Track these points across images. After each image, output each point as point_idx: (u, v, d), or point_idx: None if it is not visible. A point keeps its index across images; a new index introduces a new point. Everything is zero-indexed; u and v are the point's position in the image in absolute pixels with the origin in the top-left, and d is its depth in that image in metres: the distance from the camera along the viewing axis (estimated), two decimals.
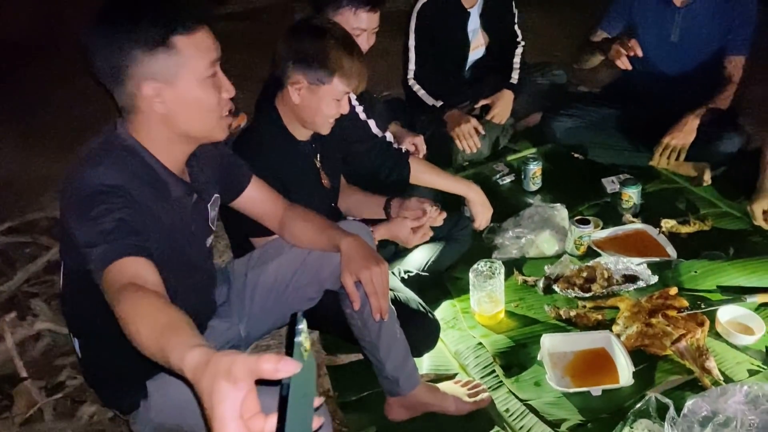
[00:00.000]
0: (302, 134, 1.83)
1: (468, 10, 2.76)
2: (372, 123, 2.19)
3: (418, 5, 2.75)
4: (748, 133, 2.61)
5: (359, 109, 2.15)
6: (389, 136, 2.26)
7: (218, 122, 1.29)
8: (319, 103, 1.71)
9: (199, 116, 1.25)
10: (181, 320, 0.94)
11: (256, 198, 1.55)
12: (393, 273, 2.04)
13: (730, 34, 2.51)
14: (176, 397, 1.25)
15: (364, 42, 2.06)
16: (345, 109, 1.79)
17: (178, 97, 1.21)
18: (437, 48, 2.79)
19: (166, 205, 1.27)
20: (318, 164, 1.92)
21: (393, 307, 1.62)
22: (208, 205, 1.44)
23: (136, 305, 1.01)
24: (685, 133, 2.46)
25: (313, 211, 1.58)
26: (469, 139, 2.71)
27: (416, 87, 2.82)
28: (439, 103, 2.78)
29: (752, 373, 1.73)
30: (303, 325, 0.70)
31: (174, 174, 1.31)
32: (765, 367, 1.74)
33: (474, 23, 2.82)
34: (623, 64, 2.46)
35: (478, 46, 2.90)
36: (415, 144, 2.47)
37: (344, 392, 1.84)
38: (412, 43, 2.79)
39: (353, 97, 2.10)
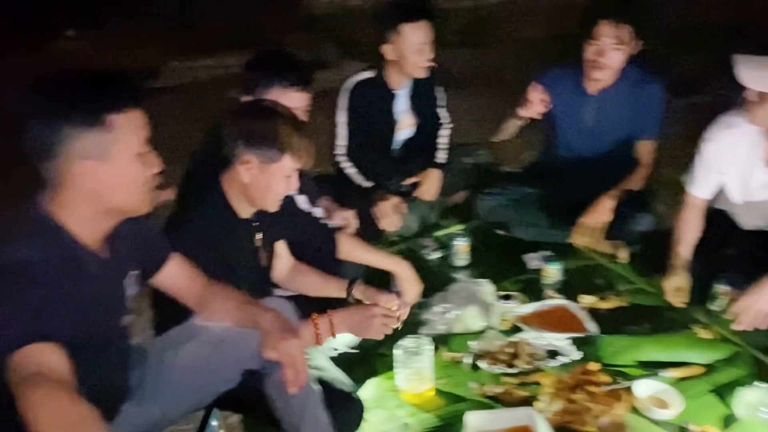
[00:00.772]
0: (246, 211, 1.83)
1: (396, 91, 2.87)
2: (302, 198, 2.21)
3: (348, 84, 2.83)
4: (660, 213, 2.76)
5: None
6: (319, 211, 2.27)
7: (145, 197, 1.30)
8: (269, 180, 1.74)
9: (128, 192, 1.26)
10: (85, 419, 0.89)
11: (176, 275, 1.51)
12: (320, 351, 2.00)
13: (639, 120, 2.69)
14: None
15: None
16: (294, 187, 1.81)
17: (110, 173, 1.21)
18: (366, 126, 2.87)
19: (79, 284, 1.23)
20: (258, 242, 1.91)
21: (316, 387, 1.59)
22: (124, 281, 1.39)
23: (39, 402, 0.95)
24: (600, 213, 2.58)
25: (232, 288, 1.55)
26: (388, 218, 2.75)
27: (345, 164, 2.87)
28: (367, 184, 2.84)
29: None
30: (216, 423, 0.67)
31: (91, 251, 1.28)
32: None
33: (402, 105, 2.93)
34: (527, 111, 2.58)
35: (406, 126, 2.99)
36: (345, 219, 2.49)
37: None
38: (342, 120, 2.86)
39: None
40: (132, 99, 1.23)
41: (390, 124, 2.93)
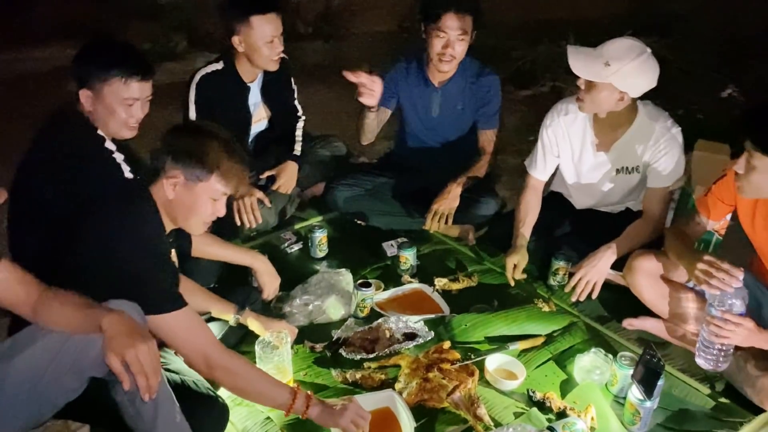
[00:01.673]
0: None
1: (248, 84, 2.82)
2: None
3: (197, 77, 2.74)
4: (503, 198, 2.96)
5: None
6: None
7: None
8: (195, 200, 1.71)
9: None
10: None
11: (6, 280, 1.39)
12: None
13: (480, 111, 2.86)
14: None
15: (139, 111, 2.02)
16: (221, 212, 1.78)
17: None
18: (218, 120, 2.78)
19: None
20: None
21: (171, 390, 1.54)
22: None
23: None
24: (450, 200, 2.72)
25: (72, 292, 1.46)
26: (249, 213, 2.72)
27: None
28: None
29: (517, 415, 1.90)
30: None
31: None
32: (527, 409, 1.92)
33: (255, 97, 2.89)
34: (365, 99, 2.57)
35: (260, 119, 2.96)
36: None
37: None
38: (192, 114, 2.76)
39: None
40: None
41: (245, 118, 2.88)
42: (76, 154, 1.96)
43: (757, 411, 1.93)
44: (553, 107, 2.55)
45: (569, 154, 2.54)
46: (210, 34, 5.74)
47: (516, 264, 2.46)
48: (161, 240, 1.76)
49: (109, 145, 2.06)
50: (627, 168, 2.45)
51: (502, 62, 4.66)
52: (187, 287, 1.96)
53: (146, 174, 1.79)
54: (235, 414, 1.89)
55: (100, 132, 2.04)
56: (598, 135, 2.44)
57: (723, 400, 1.98)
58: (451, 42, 2.63)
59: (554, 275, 2.50)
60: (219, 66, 2.76)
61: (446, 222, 2.72)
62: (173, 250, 1.90)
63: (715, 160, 2.88)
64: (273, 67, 2.74)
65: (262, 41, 2.63)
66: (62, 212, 1.78)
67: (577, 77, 2.27)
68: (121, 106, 1.98)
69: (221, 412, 1.80)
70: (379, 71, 2.66)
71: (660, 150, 2.34)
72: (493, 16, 3.57)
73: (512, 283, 2.48)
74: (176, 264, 1.91)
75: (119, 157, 2.06)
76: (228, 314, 2.07)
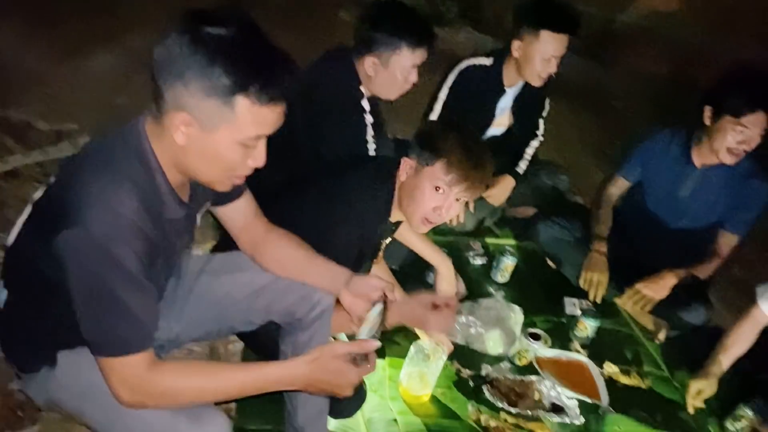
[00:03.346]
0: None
1: (506, 88, 2.76)
2: None
3: (463, 64, 2.73)
4: (714, 309, 2.65)
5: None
6: None
7: (228, 180, 1.23)
8: (417, 185, 1.74)
9: (210, 168, 1.18)
10: None
11: (242, 211, 1.48)
12: None
13: (734, 211, 2.56)
14: (87, 380, 1.19)
15: (415, 76, 2.11)
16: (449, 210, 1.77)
17: (205, 143, 1.13)
18: (463, 112, 2.77)
19: (156, 226, 1.17)
20: None
21: None
22: (197, 215, 1.37)
23: None
24: (660, 287, 2.48)
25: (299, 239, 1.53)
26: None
27: None
28: None
29: None
30: None
31: (174, 192, 1.23)
32: None
33: (506, 102, 2.82)
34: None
35: (501, 125, 2.90)
36: None
37: (245, 419, 1.77)
38: (442, 95, 2.76)
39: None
40: (280, 94, 1.11)
41: (487, 118, 2.83)
42: (335, 94, 2.04)
43: None
44: None
45: None
46: (481, 8, 5.66)
47: (701, 390, 2.21)
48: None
49: (365, 104, 2.12)
50: None
51: None
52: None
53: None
54: (367, 400, 1.92)
55: (362, 88, 2.11)
56: None
57: None
58: (749, 140, 2.35)
59: (735, 420, 2.20)
60: (488, 62, 2.72)
61: (644, 308, 2.51)
62: None
63: None
64: (537, 83, 2.65)
65: (540, 56, 2.54)
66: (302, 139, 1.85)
67: None
68: (404, 73, 2.03)
69: (361, 394, 1.84)
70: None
71: None
72: None
73: (690, 411, 2.23)
74: None
75: (368, 119, 2.13)
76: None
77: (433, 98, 2.78)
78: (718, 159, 2.43)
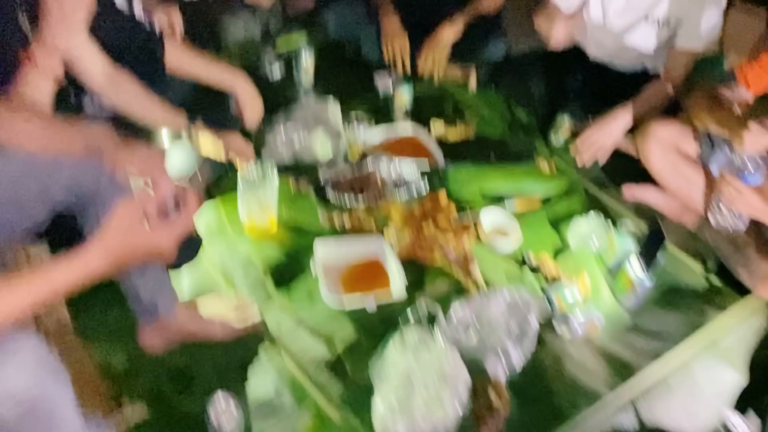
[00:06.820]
0: None
1: None
2: None
3: None
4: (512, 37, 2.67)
5: None
6: (138, 9, 1.85)
7: None
8: None
9: None
10: None
11: None
12: None
13: None
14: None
15: None
16: None
17: None
18: None
19: None
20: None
21: None
22: None
23: None
24: (441, 48, 2.47)
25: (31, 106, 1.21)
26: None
27: None
28: None
29: (510, 277, 1.83)
30: None
31: None
32: (521, 271, 1.84)
33: None
34: None
35: None
36: (167, 17, 2.08)
37: (86, 321, 1.54)
38: None
39: None
40: None
41: None
42: None
43: (746, 293, 1.90)
44: None
45: None
46: None
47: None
48: None
49: None
50: (659, 20, 2.18)
51: None
52: (122, 78, 1.64)
53: None
54: (212, 250, 1.76)
55: None
56: None
57: (714, 280, 1.94)
58: None
59: (557, 131, 2.32)
60: None
61: (441, 60, 2.48)
62: None
63: (749, 24, 2.64)
64: None
65: None
66: None
67: None
68: None
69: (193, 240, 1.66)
70: None
71: (701, 4, 2.07)
72: None
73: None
74: None
75: None
76: (176, 123, 1.73)
77: None
78: None
